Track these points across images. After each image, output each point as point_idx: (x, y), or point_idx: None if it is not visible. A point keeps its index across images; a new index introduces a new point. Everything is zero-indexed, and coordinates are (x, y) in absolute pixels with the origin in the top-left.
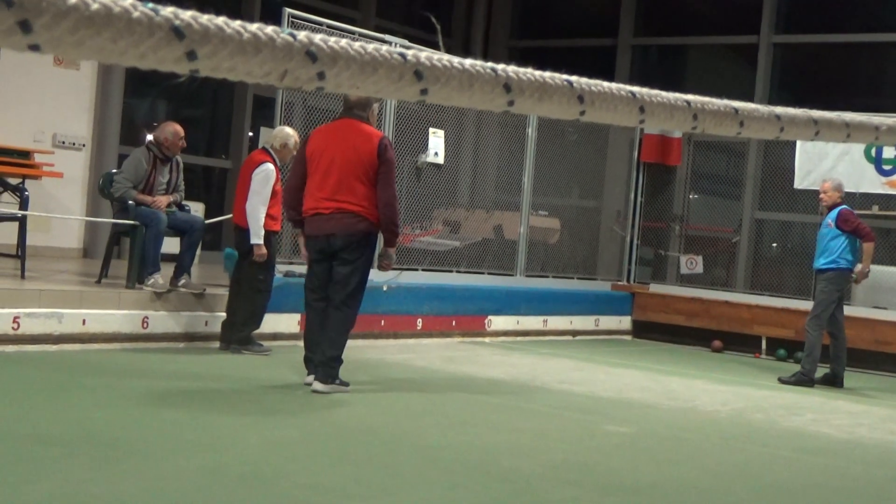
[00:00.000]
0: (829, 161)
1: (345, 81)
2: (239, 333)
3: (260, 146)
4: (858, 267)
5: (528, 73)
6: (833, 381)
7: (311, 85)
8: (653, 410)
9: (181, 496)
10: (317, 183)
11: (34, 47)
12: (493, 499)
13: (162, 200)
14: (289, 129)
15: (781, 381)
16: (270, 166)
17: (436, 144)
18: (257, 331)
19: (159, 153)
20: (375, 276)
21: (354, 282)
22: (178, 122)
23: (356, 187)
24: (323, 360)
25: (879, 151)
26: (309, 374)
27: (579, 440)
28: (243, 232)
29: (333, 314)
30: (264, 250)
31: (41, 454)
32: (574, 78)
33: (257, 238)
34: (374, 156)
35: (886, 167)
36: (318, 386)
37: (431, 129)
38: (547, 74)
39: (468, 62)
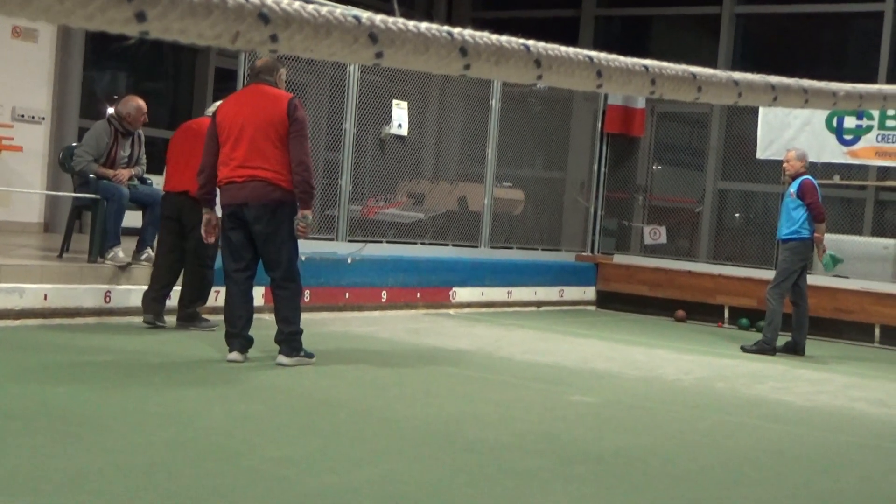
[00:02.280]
0: (791, 131)
1: (298, 44)
2: (186, 310)
3: (205, 113)
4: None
5: (485, 36)
6: (794, 350)
7: (264, 48)
8: (617, 380)
9: (146, 470)
10: (228, 151)
11: None
12: (459, 469)
13: (123, 174)
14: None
15: (744, 349)
16: None
17: (399, 116)
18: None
19: (120, 127)
20: (338, 247)
21: (286, 256)
22: (140, 95)
23: (269, 152)
24: (284, 337)
25: (841, 121)
26: (232, 351)
27: (544, 410)
28: (193, 201)
29: (277, 294)
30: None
31: (3, 429)
32: (531, 42)
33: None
34: (283, 117)
35: (848, 137)
36: (283, 360)
37: (395, 101)
38: (504, 38)
39: (424, 25)
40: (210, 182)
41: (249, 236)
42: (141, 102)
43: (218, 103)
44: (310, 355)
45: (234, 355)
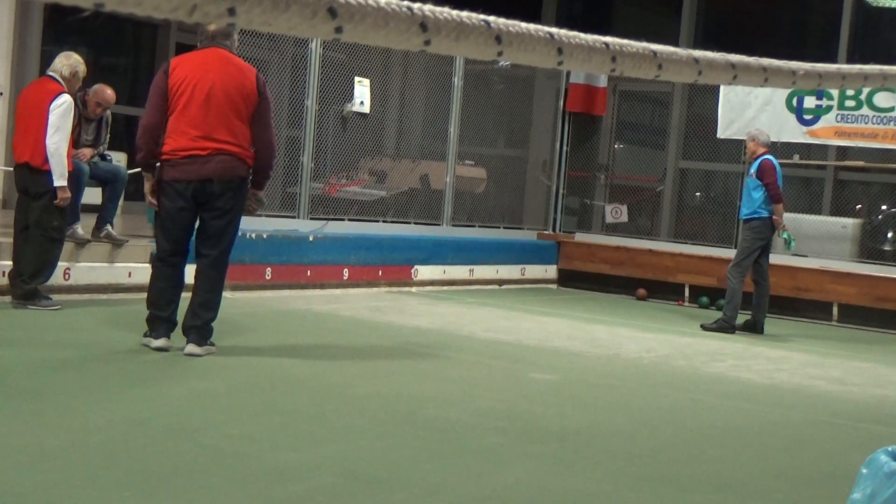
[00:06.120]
0: (752, 111)
1: (256, 17)
2: (25, 286)
3: (47, 73)
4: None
5: (445, 12)
6: (753, 328)
7: (222, 21)
8: (578, 358)
9: (107, 448)
10: (189, 119)
11: None
12: (421, 447)
13: (86, 153)
14: (77, 56)
15: (704, 327)
16: (69, 98)
17: (361, 93)
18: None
19: (84, 111)
20: (300, 225)
21: (230, 235)
22: (99, 70)
23: (235, 125)
24: (200, 323)
25: (801, 101)
26: (159, 337)
27: (505, 388)
28: (37, 173)
29: (209, 274)
30: (69, 193)
31: None
32: (492, 18)
33: (62, 179)
34: (254, 92)
35: (808, 117)
36: (194, 349)
37: (357, 78)
38: (464, 14)
39: (384, 0)
40: (157, 145)
41: (195, 216)
42: (106, 95)
43: (63, 57)
44: (213, 344)
45: (163, 342)
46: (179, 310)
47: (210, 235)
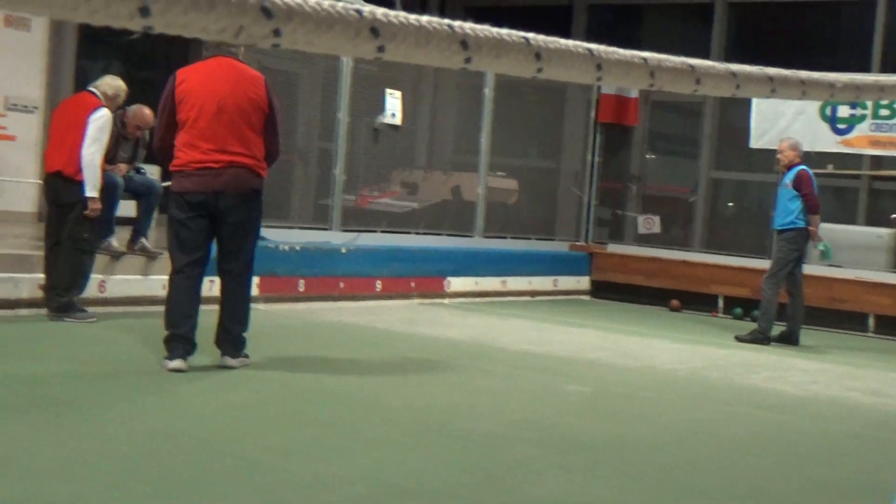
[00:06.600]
0: (785, 120)
1: (300, 38)
2: (60, 299)
3: (87, 88)
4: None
5: (485, 29)
6: (789, 339)
7: (267, 42)
8: (611, 370)
9: (140, 459)
10: (200, 132)
11: None
12: (453, 459)
13: (121, 167)
14: (123, 83)
15: (738, 339)
16: (109, 112)
17: (393, 105)
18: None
19: (122, 130)
20: (332, 237)
21: (249, 248)
22: (132, 84)
23: (248, 137)
24: (231, 336)
25: (834, 110)
26: (174, 358)
27: (537, 400)
28: (70, 182)
29: (234, 289)
30: (100, 205)
31: None
32: (531, 35)
33: (94, 191)
34: (264, 101)
35: (841, 126)
36: (230, 361)
37: (388, 91)
38: (504, 31)
39: (425, 18)
40: (168, 161)
41: (210, 227)
42: (145, 117)
43: (107, 79)
44: (247, 356)
45: (178, 363)
46: (205, 329)
47: (228, 251)
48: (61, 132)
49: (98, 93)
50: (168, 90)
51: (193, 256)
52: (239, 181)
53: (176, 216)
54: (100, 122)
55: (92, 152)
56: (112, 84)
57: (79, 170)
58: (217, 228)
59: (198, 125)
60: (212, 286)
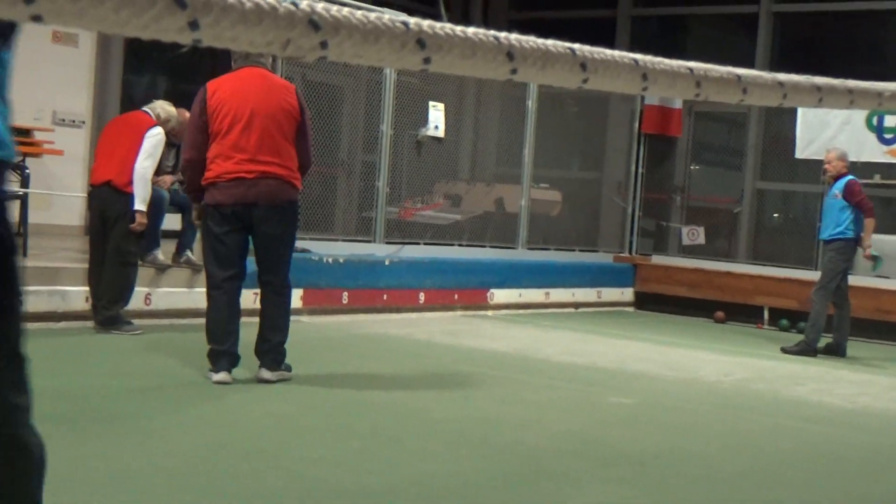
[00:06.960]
0: (831, 130)
1: (347, 50)
2: (106, 312)
3: (142, 108)
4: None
5: (531, 40)
6: (836, 351)
7: (314, 54)
8: (655, 382)
9: (185, 471)
10: (231, 142)
11: (36, 18)
12: (497, 471)
13: (166, 179)
14: (174, 108)
15: (784, 350)
16: (163, 131)
17: (436, 118)
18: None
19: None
20: (375, 249)
21: (285, 259)
22: (177, 99)
23: (281, 147)
24: (270, 347)
25: (881, 120)
26: (219, 371)
27: (582, 412)
28: (120, 194)
29: (273, 299)
30: (146, 219)
31: (45, 431)
32: (577, 45)
33: (143, 204)
34: (296, 110)
35: (888, 136)
36: (266, 374)
37: (431, 103)
38: (549, 42)
39: (471, 30)
40: (199, 177)
41: (246, 240)
42: (187, 118)
43: (161, 103)
44: (289, 368)
45: (223, 376)
46: (249, 342)
47: (268, 264)
48: (112, 144)
49: (153, 114)
50: (199, 102)
51: (230, 272)
52: (272, 192)
53: (211, 230)
54: (155, 139)
55: (146, 166)
56: (166, 108)
57: (129, 181)
58: (253, 241)
59: (230, 136)
60: (255, 299)
